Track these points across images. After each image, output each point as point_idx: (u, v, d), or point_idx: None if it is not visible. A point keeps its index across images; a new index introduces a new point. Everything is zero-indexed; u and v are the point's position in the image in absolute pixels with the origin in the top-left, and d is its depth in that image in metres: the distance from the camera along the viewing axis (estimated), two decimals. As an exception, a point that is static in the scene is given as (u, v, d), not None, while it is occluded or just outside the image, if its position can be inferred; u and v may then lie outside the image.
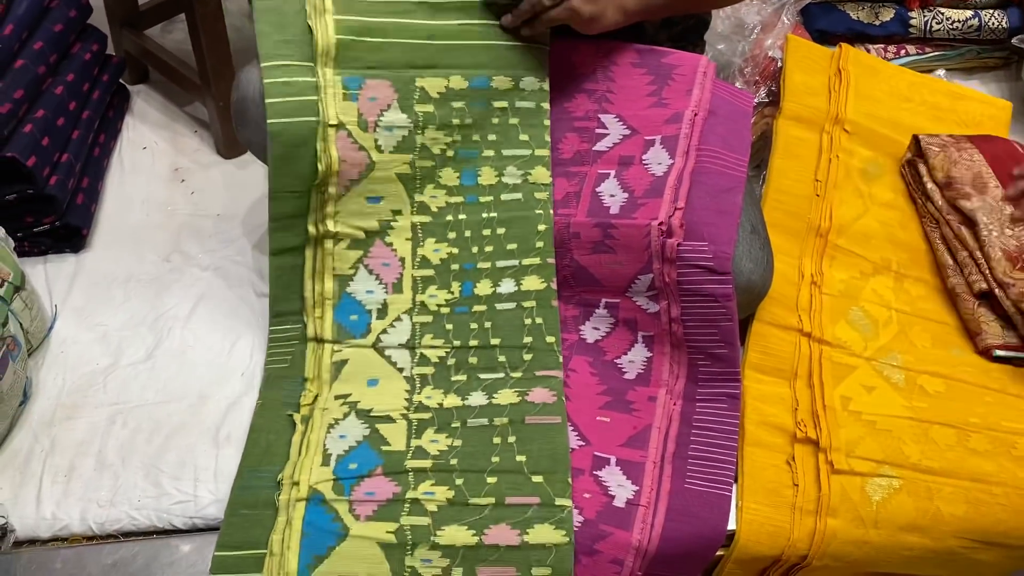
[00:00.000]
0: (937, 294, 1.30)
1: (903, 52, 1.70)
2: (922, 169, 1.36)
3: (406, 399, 1.12)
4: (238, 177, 1.53)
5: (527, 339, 1.15)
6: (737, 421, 1.13)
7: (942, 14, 1.66)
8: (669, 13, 1.20)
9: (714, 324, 1.12)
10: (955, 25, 1.67)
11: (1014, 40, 1.61)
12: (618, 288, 1.16)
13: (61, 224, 1.36)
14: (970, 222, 1.28)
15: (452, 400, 1.12)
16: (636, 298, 1.15)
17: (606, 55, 1.23)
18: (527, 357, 1.15)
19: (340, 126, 1.08)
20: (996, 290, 1.23)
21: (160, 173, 1.54)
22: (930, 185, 1.34)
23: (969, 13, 1.67)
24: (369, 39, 1.10)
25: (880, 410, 1.15)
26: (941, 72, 1.70)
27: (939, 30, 1.67)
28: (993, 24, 1.67)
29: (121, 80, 1.63)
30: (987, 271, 1.24)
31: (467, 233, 1.16)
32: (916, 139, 1.39)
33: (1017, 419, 1.15)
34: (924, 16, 1.66)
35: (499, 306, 1.15)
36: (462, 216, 1.16)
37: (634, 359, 1.17)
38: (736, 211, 1.13)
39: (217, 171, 1.54)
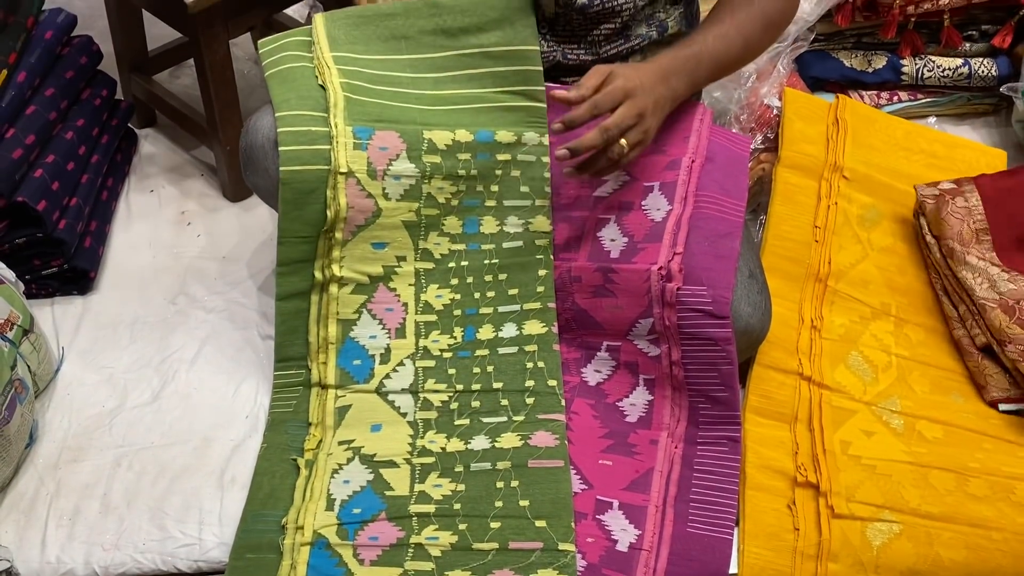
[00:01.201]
0: (936, 339, 1.31)
1: (896, 98, 1.73)
2: (921, 222, 1.38)
3: (409, 444, 1.13)
4: (244, 220, 1.55)
5: (529, 383, 1.17)
6: (738, 465, 1.14)
7: (933, 62, 1.70)
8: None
9: (714, 368, 1.13)
10: (946, 73, 1.71)
11: (1003, 88, 1.64)
12: (619, 331, 1.18)
13: (69, 267, 1.38)
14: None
15: (455, 444, 1.13)
16: (637, 341, 1.17)
17: None
18: (529, 401, 1.16)
19: (350, 174, 1.11)
20: (995, 346, 1.23)
21: (167, 216, 1.56)
22: (928, 238, 1.35)
23: (959, 61, 1.71)
24: (375, 100, 1.13)
25: (880, 454, 1.16)
26: (932, 120, 1.74)
27: (931, 77, 1.71)
28: (983, 72, 1.70)
29: (129, 124, 1.66)
30: (985, 327, 1.24)
31: (469, 279, 1.18)
32: (918, 188, 1.40)
33: (1016, 464, 1.16)
34: (916, 64, 1.70)
35: (501, 350, 1.17)
36: (464, 262, 1.18)
37: (636, 402, 1.18)
38: (734, 256, 1.15)
39: (223, 214, 1.57)
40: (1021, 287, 1.25)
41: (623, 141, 1.05)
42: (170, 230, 1.54)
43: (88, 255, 1.41)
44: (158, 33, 1.65)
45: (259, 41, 1.20)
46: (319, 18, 1.19)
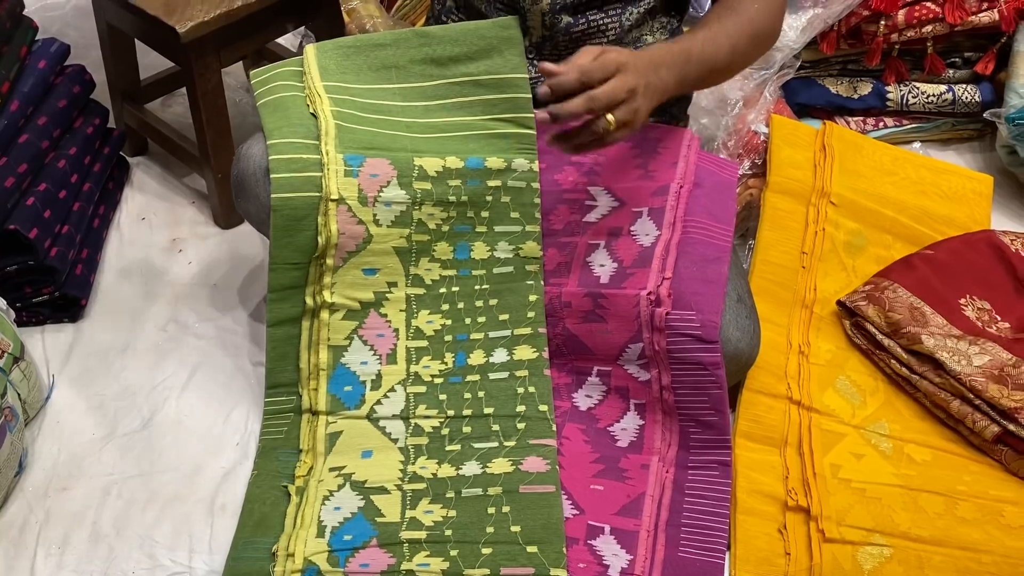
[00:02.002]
0: (923, 362, 1.32)
1: (881, 124, 1.75)
2: (870, 328, 1.29)
3: (400, 470, 1.13)
4: (235, 248, 1.56)
5: (520, 408, 1.17)
6: (729, 489, 1.14)
7: (917, 88, 1.73)
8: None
9: (704, 392, 1.14)
10: (930, 99, 1.73)
11: (986, 114, 1.67)
12: (609, 356, 1.18)
13: (60, 294, 1.38)
14: (936, 364, 1.21)
15: (446, 470, 1.13)
16: (627, 366, 1.17)
17: None
18: (520, 426, 1.16)
19: (341, 200, 1.12)
20: (1011, 426, 1.16)
21: (158, 243, 1.56)
22: (887, 342, 1.27)
23: (943, 88, 1.73)
24: (366, 127, 1.14)
25: (869, 478, 1.16)
26: (917, 145, 1.76)
27: (915, 103, 1.73)
28: (966, 98, 1.73)
29: (121, 152, 1.67)
30: (987, 409, 1.18)
31: (460, 304, 1.18)
32: (840, 303, 1.34)
33: (1003, 487, 1.17)
34: (900, 90, 1.72)
35: (492, 376, 1.17)
36: (455, 288, 1.19)
37: (626, 427, 1.18)
38: (722, 280, 1.16)
39: (214, 242, 1.57)
40: (994, 353, 1.22)
41: (610, 117, 0.99)
42: (161, 257, 1.54)
43: (79, 283, 1.41)
44: (150, 62, 1.66)
45: (251, 72, 1.22)
46: (310, 48, 1.20)
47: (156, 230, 1.59)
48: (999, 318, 1.31)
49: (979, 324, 1.29)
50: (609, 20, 1.18)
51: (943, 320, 1.27)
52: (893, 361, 1.27)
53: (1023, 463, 1.17)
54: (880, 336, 1.28)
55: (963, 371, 1.19)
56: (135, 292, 1.47)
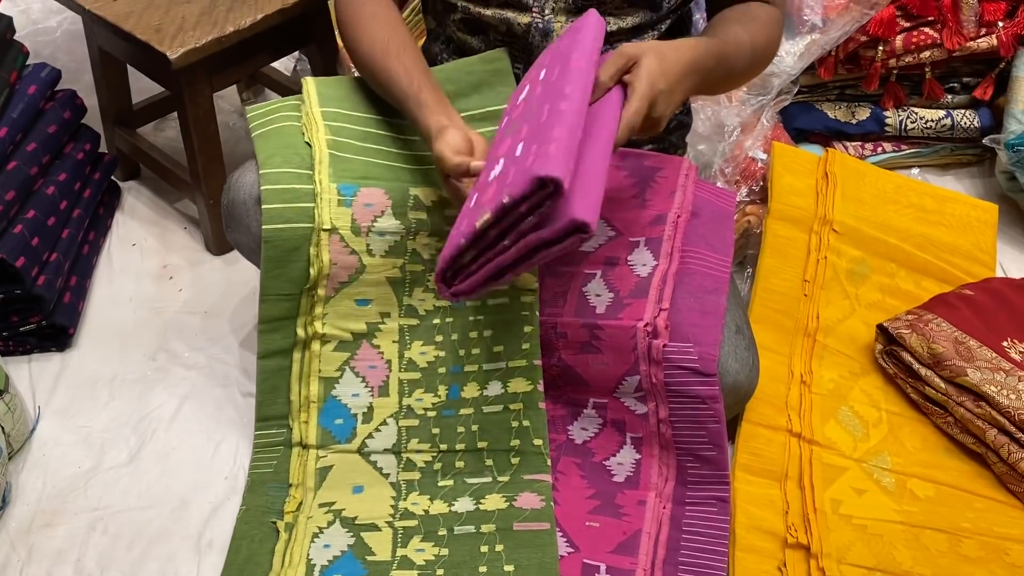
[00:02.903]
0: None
1: (880, 149, 1.74)
2: (906, 357, 1.27)
3: (391, 506, 1.11)
4: (226, 274, 1.54)
5: (514, 442, 1.15)
6: (727, 525, 1.11)
7: (916, 114, 1.72)
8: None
9: (702, 426, 1.12)
10: (929, 124, 1.72)
11: (986, 140, 1.66)
12: (606, 388, 1.16)
13: (47, 323, 1.36)
14: (978, 396, 1.20)
15: (438, 506, 1.11)
16: (624, 399, 1.15)
17: None
18: (515, 461, 1.14)
19: (333, 230, 1.10)
20: None
21: (149, 270, 1.54)
22: (924, 371, 1.25)
23: (942, 113, 1.72)
24: (361, 157, 1.13)
25: (871, 514, 1.14)
26: (916, 171, 1.75)
27: (914, 128, 1.72)
28: (965, 124, 1.72)
29: (112, 177, 1.65)
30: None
31: (454, 336, 1.16)
32: (881, 328, 1.31)
33: (1008, 524, 1.14)
34: (899, 115, 1.71)
35: (486, 409, 1.15)
36: (449, 319, 1.16)
37: (623, 461, 1.16)
38: (720, 312, 1.14)
39: (206, 268, 1.55)
40: None
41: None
42: (152, 284, 1.52)
43: (67, 311, 1.39)
44: (143, 86, 1.65)
45: (247, 108, 1.20)
46: (310, 80, 1.19)
47: (147, 256, 1.57)
48: None
49: None
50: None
51: (992, 353, 1.25)
52: (928, 389, 1.25)
53: None
54: (918, 366, 1.26)
55: (1011, 405, 1.18)
56: (124, 320, 1.45)
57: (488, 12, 1.14)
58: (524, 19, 1.13)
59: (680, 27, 1.23)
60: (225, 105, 1.87)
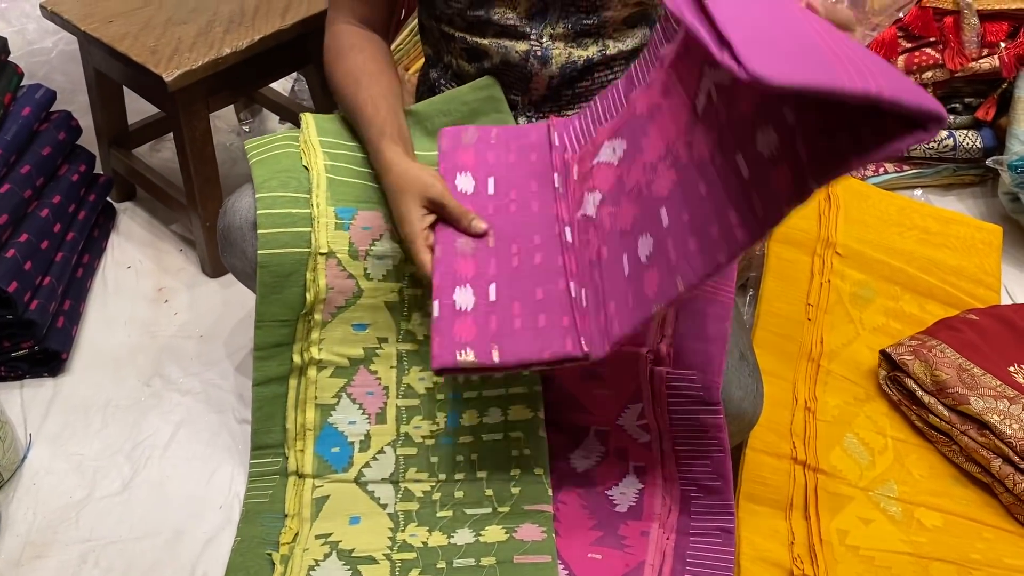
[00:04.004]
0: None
1: (882, 170, 1.73)
2: (909, 383, 1.25)
3: (389, 537, 1.08)
4: (223, 297, 1.52)
5: (515, 471, 1.12)
6: (732, 557, 1.09)
7: (918, 135, 1.70)
8: None
9: (706, 455, 1.10)
10: (931, 145, 1.71)
11: (989, 161, 1.64)
12: (608, 416, 1.14)
13: (40, 348, 1.34)
14: (981, 424, 1.19)
15: (437, 538, 1.08)
16: (627, 427, 1.13)
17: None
18: (515, 490, 1.12)
19: (330, 254, 1.08)
20: None
21: (144, 293, 1.52)
22: (927, 399, 1.23)
23: (944, 133, 1.71)
24: (359, 181, 1.11)
25: (878, 545, 1.12)
26: (918, 192, 1.73)
27: (916, 149, 1.71)
28: (968, 144, 1.71)
29: (108, 198, 1.63)
30: None
31: (454, 361, 1.14)
32: (884, 354, 1.29)
33: (1018, 555, 1.12)
34: (901, 136, 1.70)
35: (485, 437, 1.13)
36: (448, 345, 1.14)
37: (625, 491, 1.14)
38: (724, 338, 1.12)
39: (202, 290, 1.53)
40: None
41: None
42: (147, 307, 1.50)
43: (60, 336, 1.37)
44: (139, 107, 1.63)
45: (245, 142, 1.18)
46: (308, 115, 1.18)
47: (142, 279, 1.55)
48: None
49: None
50: (612, 75, 1.15)
51: (996, 381, 1.23)
52: (932, 416, 1.23)
53: None
54: (921, 393, 1.24)
55: (1013, 435, 1.15)
56: (118, 344, 1.43)
57: (486, 42, 1.12)
58: (522, 47, 1.11)
59: None
60: (222, 125, 1.86)
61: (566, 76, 1.13)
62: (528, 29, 1.10)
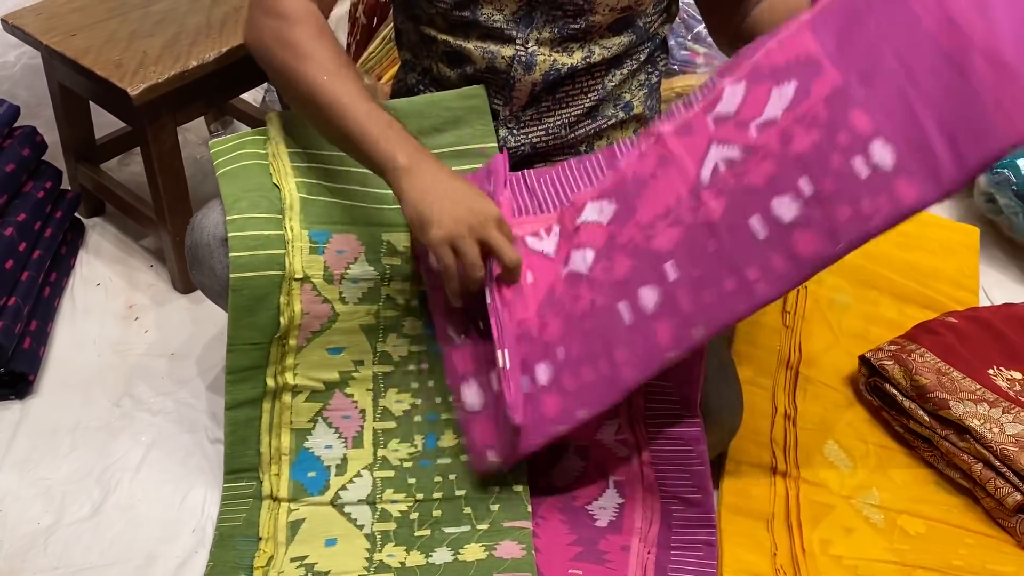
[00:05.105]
0: (914, 425, 1.28)
1: (859, 172, 1.72)
2: (889, 389, 1.24)
3: (366, 559, 1.06)
4: (194, 313, 1.49)
5: (493, 488, 1.10)
6: (714, 570, 1.08)
7: (894, 136, 1.70)
8: None
9: (685, 468, 1.09)
10: (907, 146, 1.70)
11: (965, 162, 1.64)
12: (586, 431, 1.12)
13: (6, 371, 1.30)
14: (961, 429, 1.17)
15: (415, 558, 1.06)
16: (605, 441, 1.12)
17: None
18: (494, 507, 1.10)
19: (305, 279, 1.06)
20: None
21: (114, 310, 1.49)
22: (908, 404, 1.22)
23: (920, 135, 1.71)
24: (332, 199, 1.09)
25: (861, 554, 1.11)
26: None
27: (892, 151, 1.71)
28: (944, 145, 1.70)
29: (76, 214, 1.60)
30: (1014, 478, 1.12)
31: (430, 382, 1.12)
32: (864, 360, 1.28)
33: (1001, 561, 1.11)
34: (877, 139, 1.70)
35: (464, 457, 1.11)
36: (425, 365, 1.12)
37: (605, 505, 1.12)
38: (702, 350, 1.10)
39: (172, 307, 1.50)
40: None
41: None
42: (117, 326, 1.47)
43: (27, 357, 1.34)
44: (107, 120, 1.60)
45: (211, 143, 1.16)
46: (274, 115, 1.15)
47: (111, 296, 1.52)
48: None
49: (1011, 394, 1.24)
50: (595, 82, 1.14)
51: (976, 384, 1.22)
52: (912, 422, 1.22)
53: None
54: (901, 398, 1.23)
55: (994, 439, 1.15)
56: (87, 365, 1.40)
57: (470, 45, 1.10)
58: (507, 51, 1.09)
59: (657, 54, 1.21)
60: (193, 137, 1.83)
61: (548, 83, 1.11)
62: (514, 32, 1.08)
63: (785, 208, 0.90)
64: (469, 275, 0.96)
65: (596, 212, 1.03)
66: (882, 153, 0.87)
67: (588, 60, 1.11)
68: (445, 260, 0.96)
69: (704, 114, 0.97)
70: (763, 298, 0.91)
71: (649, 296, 0.96)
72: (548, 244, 1.06)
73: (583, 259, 1.01)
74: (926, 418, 1.21)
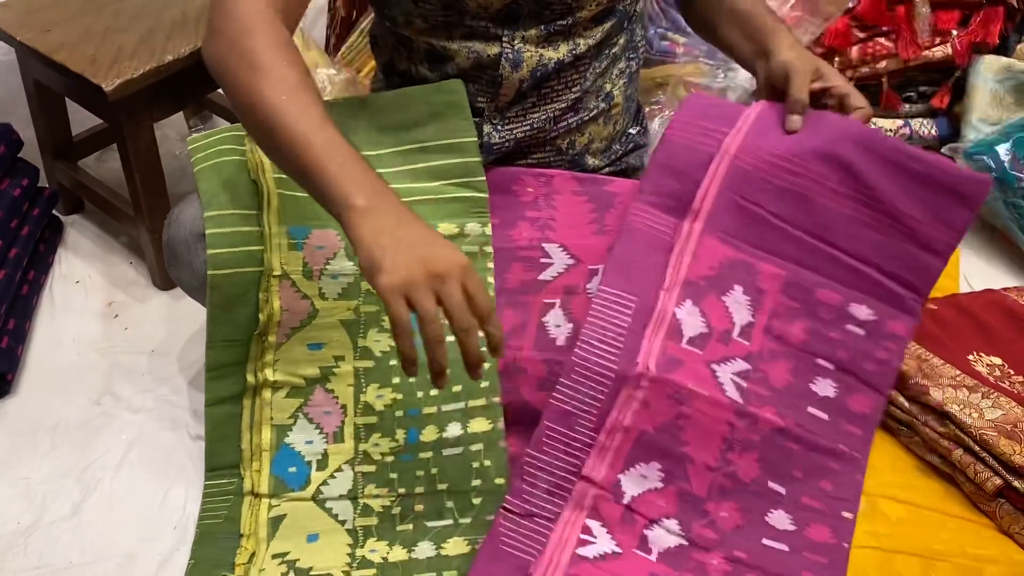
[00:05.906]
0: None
1: (840, 161, 1.73)
2: None
3: (348, 554, 1.06)
4: (174, 310, 1.48)
5: (476, 482, 1.10)
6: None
7: (874, 123, 1.70)
8: None
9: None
10: (887, 133, 1.71)
11: (944, 149, 1.65)
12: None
13: (-17, 371, 1.29)
14: (941, 414, 1.17)
15: (397, 553, 1.06)
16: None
17: (547, 183, 1.22)
18: (476, 501, 1.10)
19: (284, 276, 1.05)
20: (1016, 482, 1.08)
21: (93, 308, 1.48)
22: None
23: (900, 122, 1.71)
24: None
25: (842, 540, 1.11)
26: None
27: (873, 139, 1.71)
28: (924, 132, 1.71)
29: (55, 211, 1.59)
30: (993, 463, 1.12)
31: (411, 377, 1.11)
32: None
33: (982, 544, 1.12)
34: (858, 126, 1.70)
35: (446, 452, 1.10)
36: (405, 359, 1.12)
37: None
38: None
39: (152, 304, 1.49)
40: (1007, 408, 1.17)
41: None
42: (96, 323, 1.46)
43: (5, 356, 1.33)
44: (84, 116, 1.59)
45: (189, 138, 1.15)
46: None
47: (91, 294, 1.51)
48: (1012, 372, 1.26)
49: (991, 379, 1.24)
50: (578, 76, 1.14)
51: (956, 370, 1.22)
52: (893, 407, 1.22)
53: (1017, 519, 1.12)
54: None
55: (973, 424, 1.15)
56: (67, 363, 1.39)
57: (454, 45, 1.09)
58: (493, 49, 1.08)
59: (637, 38, 1.21)
60: (171, 133, 1.82)
61: (536, 79, 1.11)
62: (500, 31, 1.08)
63: (826, 388, 1.06)
64: (425, 332, 0.82)
65: (638, 482, 1.00)
66: (861, 311, 1.07)
67: (574, 52, 1.11)
68: (395, 312, 0.80)
69: (678, 343, 1.01)
70: (861, 467, 1.08)
71: (780, 519, 1.03)
72: (603, 545, 0.99)
73: (667, 531, 1.00)
74: (906, 404, 1.21)
